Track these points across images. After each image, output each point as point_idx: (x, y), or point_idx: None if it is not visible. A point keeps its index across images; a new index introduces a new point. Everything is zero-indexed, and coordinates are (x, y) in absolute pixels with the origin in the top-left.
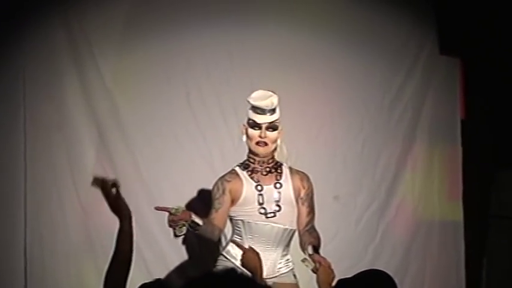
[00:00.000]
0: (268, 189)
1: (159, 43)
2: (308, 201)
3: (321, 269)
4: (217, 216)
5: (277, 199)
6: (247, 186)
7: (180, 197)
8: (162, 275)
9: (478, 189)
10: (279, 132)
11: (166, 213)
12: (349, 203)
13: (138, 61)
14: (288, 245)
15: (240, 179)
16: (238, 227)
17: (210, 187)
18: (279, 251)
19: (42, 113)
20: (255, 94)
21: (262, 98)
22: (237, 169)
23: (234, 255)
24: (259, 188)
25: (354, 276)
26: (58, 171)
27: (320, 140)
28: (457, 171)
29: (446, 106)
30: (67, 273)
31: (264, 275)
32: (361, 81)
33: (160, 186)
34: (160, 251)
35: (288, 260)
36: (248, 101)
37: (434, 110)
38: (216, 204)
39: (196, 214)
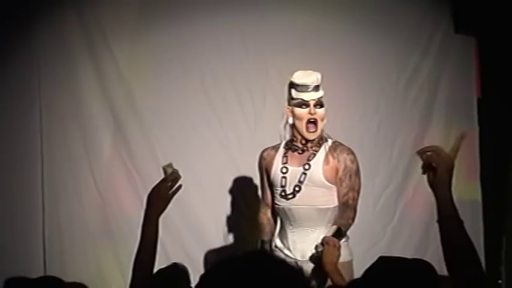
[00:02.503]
0: (294, 171)
1: (172, 28)
2: (346, 181)
3: (326, 248)
4: (268, 195)
5: (301, 180)
6: (276, 166)
7: (197, 181)
8: (180, 259)
9: (495, 168)
10: (325, 110)
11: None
12: (367, 184)
13: (152, 47)
14: (330, 222)
15: (275, 157)
16: (279, 214)
17: (226, 171)
18: (321, 230)
19: (57, 102)
20: (297, 74)
21: (307, 75)
22: (282, 144)
23: (280, 246)
24: (283, 170)
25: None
26: (75, 159)
27: (336, 122)
28: (474, 151)
29: (462, 86)
30: (86, 261)
31: (300, 256)
32: (376, 63)
33: None
34: (178, 235)
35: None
36: (292, 81)
37: (450, 90)
38: (262, 183)
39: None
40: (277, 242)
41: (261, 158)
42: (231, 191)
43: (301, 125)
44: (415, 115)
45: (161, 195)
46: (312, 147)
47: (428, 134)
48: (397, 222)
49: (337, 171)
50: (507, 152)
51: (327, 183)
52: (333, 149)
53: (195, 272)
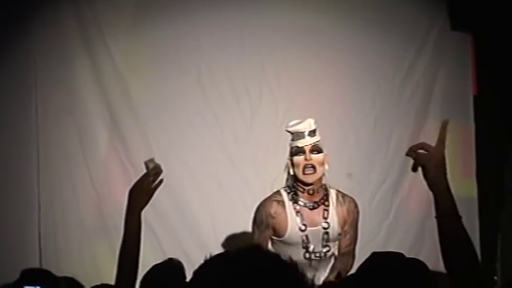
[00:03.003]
0: (314, 230)
1: (169, 24)
2: (351, 232)
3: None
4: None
5: (326, 239)
6: (291, 225)
7: (193, 176)
8: (175, 254)
9: (491, 165)
10: (325, 155)
11: (178, 192)
12: (363, 180)
13: (148, 42)
14: (327, 268)
15: (286, 215)
16: None
17: (222, 166)
18: (319, 275)
19: (53, 97)
20: (291, 122)
21: (300, 122)
22: (285, 197)
23: None
24: (302, 228)
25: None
26: (70, 154)
27: (333, 118)
28: (470, 147)
29: (458, 82)
30: (81, 256)
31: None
32: (373, 59)
33: (172, 166)
34: (173, 231)
35: (329, 270)
36: (287, 131)
37: (446, 86)
38: (259, 237)
39: None
40: None
41: (268, 214)
42: (227, 187)
43: (299, 172)
44: (411, 111)
45: (144, 190)
46: (321, 199)
47: (424, 130)
48: (393, 218)
49: (345, 222)
50: (503, 148)
51: (339, 237)
52: (341, 200)
53: (190, 267)
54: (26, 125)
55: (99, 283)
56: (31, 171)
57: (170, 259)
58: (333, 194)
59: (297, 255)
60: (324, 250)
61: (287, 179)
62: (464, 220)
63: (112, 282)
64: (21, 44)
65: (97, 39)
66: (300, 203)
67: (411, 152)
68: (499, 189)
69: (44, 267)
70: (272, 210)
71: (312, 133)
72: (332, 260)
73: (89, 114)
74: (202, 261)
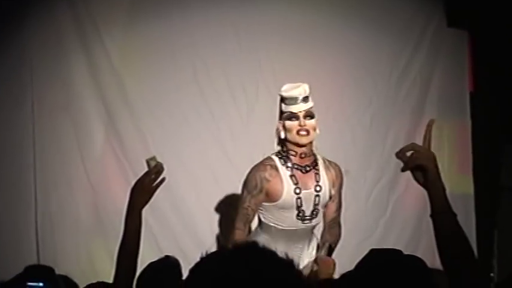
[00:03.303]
0: (308, 193)
1: (164, 19)
2: (338, 198)
3: (321, 266)
4: (249, 212)
5: (317, 203)
6: (287, 188)
7: (188, 172)
8: (171, 251)
9: (487, 162)
10: (316, 120)
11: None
12: (359, 177)
13: (144, 38)
14: (311, 237)
15: (281, 178)
16: (268, 230)
17: (218, 162)
18: (308, 242)
19: (49, 93)
20: (285, 87)
21: (294, 87)
22: (277, 161)
23: None
24: (297, 191)
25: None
26: (67, 150)
27: (329, 116)
28: (466, 144)
29: (454, 79)
30: (77, 252)
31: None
32: (369, 56)
33: (168, 162)
34: (170, 228)
35: (314, 244)
36: (280, 95)
37: (443, 83)
38: (249, 201)
39: None
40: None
41: (263, 178)
42: (223, 183)
43: (292, 135)
44: (407, 109)
45: (144, 188)
46: (312, 163)
47: (420, 128)
48: (390, 215)
49: (333, 186)
50: (499, 145)
51: (328, 202)
52: (328, 165)
53: (187, 264)
54: (21, 121)
55: (95, 281)
56: (27, 167)
57: (166, 256)
58: (320, 159)
59: (290, 218)
60: (316, 212)
61: (278, 144)
62: (460, 217)
63: (108, 279)
64: (17, 40)
65: (92, 35)
66: (292, 166)
67: (402, 154)
68: (495, 185)
69: (41, 260)
70: (267, 174)
71: (306, 99)
72: (313, 236)
73: (85, 110)
74: (198, 259)
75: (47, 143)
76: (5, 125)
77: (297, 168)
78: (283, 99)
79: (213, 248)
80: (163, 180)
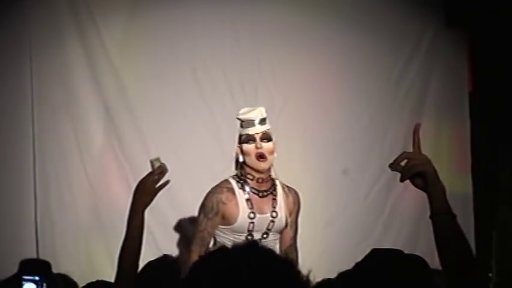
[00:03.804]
0: (262, 218)
1: (164, 18)
2: (295, 224)
3: None
4: (205, 235)
5: (269, 228)
6: (242, 212)
7: (188, 171)
8: (170, 250)
9: (486, 161)
10: (274, 144)
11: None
12: (358, 177)
13: (143, 38)
14: None
15: (237, 202)
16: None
17: (217, 162)
18: None
19: (49, 93)
20: (242, 110)
21: (251, 110)
22: (234, 185)
23: None
24: (251, 215)
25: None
26: (66, 150)
27: (328, 116)
28: (465, 144)
29: (454, 79)
30: (77, 252)
31: None
32: (368, 56)
33: (167, 160)
34: (168, 226)
35: None
36: (238, 118)
37: (442, 83)
38: (206, 224)
39: None
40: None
41: (219, 201)
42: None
43: (251, 160)
44: (406, 108)
45: (147, 188)
46: (269, 189)
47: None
48: (388, 215)
49: (290, 213)
50: (498, 144)
51: (284, 228)
52: (286, 191)
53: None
54: (21, 121)
55: (94, 279)
56: (27, 167)
57: (165, 255)
58: (279, 184)
59: (240, 239)
60: (264, 236)
61: (236, 167)
62: (459, 216)
63: (107, 279)
64: (17, 39)
65: (92, 32)
66: (249, 191)
67: (396, 165)
68: (494, 185)
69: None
70: (223, 197)
71: (263, 121)
72: None
73: (84, 108)
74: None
75: (47, 141)
76: (4, 125)
77: (254, 193)
78: (241, 123)
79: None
80: (167, 182)
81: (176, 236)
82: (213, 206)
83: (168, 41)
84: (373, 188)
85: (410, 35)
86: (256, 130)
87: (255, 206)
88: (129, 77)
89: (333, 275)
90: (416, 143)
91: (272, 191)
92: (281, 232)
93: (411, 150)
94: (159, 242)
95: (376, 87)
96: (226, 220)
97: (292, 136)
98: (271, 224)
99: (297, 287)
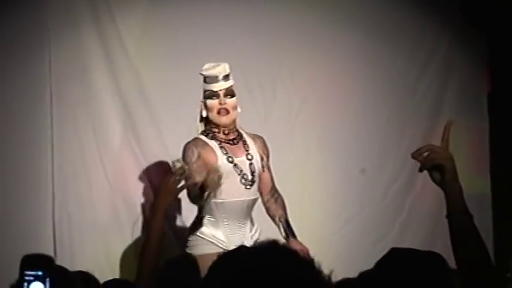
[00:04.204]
0: (240, 161)
1: (184, 17)
2: (268, 165)
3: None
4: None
5: (253, 170)
6: (220, 156)
7: None
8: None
9: (505, 162)
10: (237, 99)
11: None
12: (376, 177)
13: (162, 35)
14: (251, 213)
15: (212, 149)
16: (210, 209)
17: None
18: (249, 219)
19: (67, 90)
20: (206, 66)
21: (215, 66)
22: (204, 138)
23: (209, 235)
24: (230, 159)
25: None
26: (85, 147)
27: (346, 115)
28: (484, 144)
29: (472, 79)
30: (95, 250)
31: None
32: (386, 56)
33: None
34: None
35: (254, 225)
36: (201, 74)
37: (460, 83)
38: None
39: None
40: (205, 229)
41: (197, 146)
42: None
43: (213, 115)
44: (424, 109)
45: (169, 188)
46: (237, 137)
47: (438, 128)
48: (406, 215)
49: (263, 154)
50: None
51: (261, 171)
52: (252, 137)
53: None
54: (40, 117)
55: (112, 277)
56: (45, 164)
57: (185, 254)
58: (243, 132)
59: (234, 185)
60: (254, 179)
61: (201, 121)
62: (477, 217)
63: (126, 277)
64: (36, 35)
65: (110, 28)
66: (219, 139)
67: (418, 155)
68: None
69: (59, 261)
70: (198, 144)
71: (226, 77)
72: (254, 221)
73: (103, 105)
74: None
75: (66, 138)
76: (23, 121)
77: (224, 142)
78: (204, 79)
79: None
80: (188, 183)
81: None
82: (193, 151)
83: (187, 38)
84: (391, 188)
85: (428, 36)
86: (220, 86)
87: (229, 151)
88: (147, 73)
89: (350, 274)
90: (445, 139)
91: (240, 138)
92: (259, 177)
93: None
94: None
95: (394, 87)
96: (207, 163)
97: (309, 136)
98: (251, 166)
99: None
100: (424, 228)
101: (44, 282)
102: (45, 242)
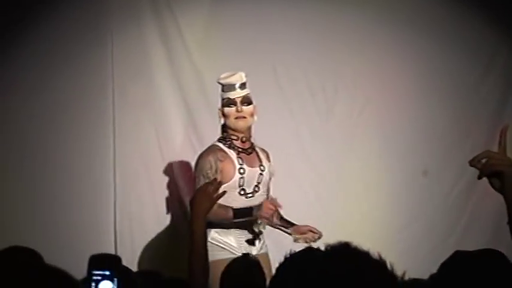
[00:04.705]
0: (252, 171)
1: (246, 19)
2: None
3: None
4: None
5: (259, 181)
6: (237, 168)
7: None
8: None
9: None
10: (254, 107)
11: None
12: (438, 179)
13: (224, 37)
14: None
15: (231, 159)
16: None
17: (298, 162)
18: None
19: (130, 90)
20: (223, 75)
21: (232, 74)
22: (222, 146)
23: (221, 240)
24: (241, 171)
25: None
26: (147, 148)
27: (409, 114)
28: None
29: None
30: (157, 251)
31: (255, 252)
32: (449, 57)
33: None
34: None
35: (263, 241)
36: (218, 82)
37: None
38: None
39: None
40: (217, 235)
41: (216, 159)
42: (301, 180)
43: (230, 121)
44: (487, 111)
45: (207, 196)
46: (251, 147)
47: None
48: (468, 218)
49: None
50: None
51: (269, 181)
52: (261, 149)
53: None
54: (102, 118)
55: (170, 276)
56: (107, 165)
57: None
58: (255, 146)
59: (233, 195)
60: (256, 189)
61: (222, 130)
62: None
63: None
64: (98, 36)
65: (174, 32)
66: (237, 148)
67: (476, 162)
68: None
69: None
70: (218, 155)
71: (243, 86)
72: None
73: (165, 106)
74: (282, 257)
75: (127, 140)
76: (85, 124)
77: (241, 151)
78: (222, 87)
79: (291, 245)
80: (224, 192)
81: None
82: (211, 165)
83: (249, 40)
84: (453, 191)
85: (491, 38)
86: (237, 94)
87: (245, 161)
88: (210, 76)
89: (411, 275)
90: (502, 144)
91: (253, 149)
92: (267, 187)
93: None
94: None
95: (457, 88)
96: (224, 177)
97: (372, 137)
98: (260, 177)
99: None
100: (486, 232)
101: (112, 281)
102: (106, 243)
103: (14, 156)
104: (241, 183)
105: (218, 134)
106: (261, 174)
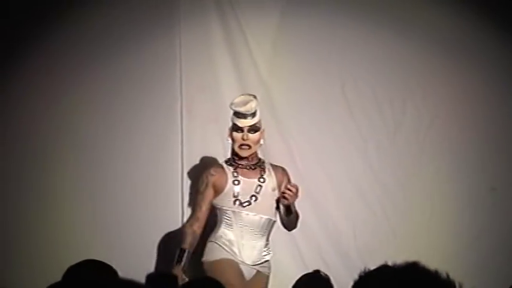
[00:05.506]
0: (247, 182)
1: (314, 33)
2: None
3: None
4: (202, 211)
5: (257, 191)
6: (230, 179)
7: (332, 184)
8: (315, 263)
9: None
10: (261, 133)
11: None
12: (507, 194)
13: (293, 51)
14: (269, 234)
15: (225, 172)
16: (228, 217)
17: (364, 179)
18: (264, 239)
19: (198, 104)
20: (236, 100)
21: (243, 103)
22: (223, 163)
23: (225, 241)
24: (235, 182)
25: None
26: (214, 162)
27: (478, 130)
28: None
29: None
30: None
31: (251, 261)
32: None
33: (314, 176)
34: (314, 239)
35: (269, 248)
36: (230, 107)
37: None
38: (199, 199)
39: None
40: (222, 235)
41: (208, 174)
42: (368, 196)
43: (235, 146)
44: None
45: None
46: (258, 163)
47: None
48: None
49: (281, 182)
50: None
51: (272, 192)
52: (274, 166)
53: (330, 277)
54: (170, 133)
55: None
56: (175, 180)
57: (317, 271)
58: (267, 163)
59: (228, 204)
60: (253, 199)
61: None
62: None
63: None
64: (167, 53)
65: (242, 47)
66: (236, 165)
67: None
68: None
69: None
70: (212, 170)
71: (253, 115)
72: (271, 227)
73: None
74: (340, 272)
75: (195, 155)
76: (154, 138)
77: (241, 166)
78: (233, 111)
79: (357, 260)
80: None
81: (321, 250)
82: (203, 180)
83: (318, 55)
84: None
85: None
86: (246, 123)
87: (241, 174)
88: (278, 91)
89: None
90: None
91: (259, 166)
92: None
93: None
94: (304, 255)
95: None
96: (217, 190)
97: (439, 152)
98: (259, 187)
99: None
100: None
101: None
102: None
103: (84, 162)
104: (235, 194)
105: (282, 149)
106: (259, 185)
